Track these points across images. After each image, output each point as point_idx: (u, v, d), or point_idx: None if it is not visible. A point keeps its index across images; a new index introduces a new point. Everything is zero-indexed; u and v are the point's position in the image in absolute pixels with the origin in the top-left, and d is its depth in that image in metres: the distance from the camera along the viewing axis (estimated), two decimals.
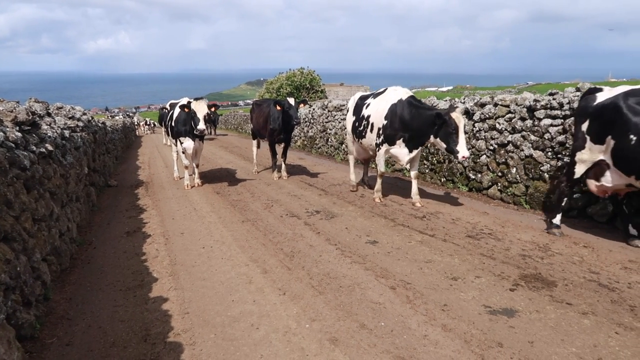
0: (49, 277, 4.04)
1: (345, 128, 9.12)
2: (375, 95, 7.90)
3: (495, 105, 7.79)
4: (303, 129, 16.83)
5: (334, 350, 3.17)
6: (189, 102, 8.62)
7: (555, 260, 4.74)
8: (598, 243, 5.21)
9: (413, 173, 7.40)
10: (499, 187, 7.61)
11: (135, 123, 37.52)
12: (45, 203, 4.31)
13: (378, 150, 7.46)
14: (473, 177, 8.19)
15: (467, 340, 3.24)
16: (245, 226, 6.39)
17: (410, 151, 7.10)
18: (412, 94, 7.26)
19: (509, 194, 7.38)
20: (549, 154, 6.63)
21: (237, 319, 3.66)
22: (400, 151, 7.19)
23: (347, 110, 8.74)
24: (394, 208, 7.19)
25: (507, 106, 7.54)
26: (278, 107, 9.64)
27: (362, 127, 7.86)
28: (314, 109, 16.01)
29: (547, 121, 6.65)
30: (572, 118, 6.30)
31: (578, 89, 6.50)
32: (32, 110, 4.72)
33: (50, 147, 4.70)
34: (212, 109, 8.77)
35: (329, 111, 14.72)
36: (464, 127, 6.50)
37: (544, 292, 3.98)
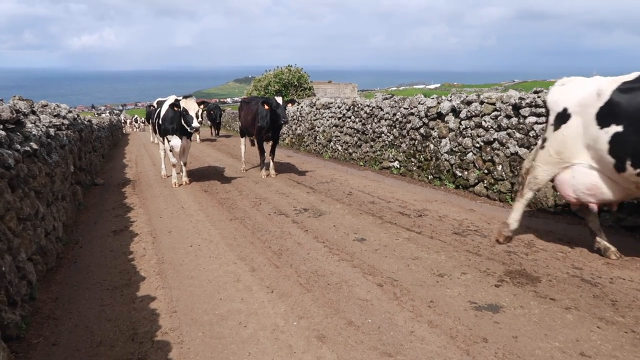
0: (35, 277, 4.01)
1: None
2: None
3: (482, 103, 7.86)
4: (291, 126, 16.81)
5: (322, 348, 3.19)
6: (177, 100, 8.57)
7: (540, 256, 4.81)
8: (581, 239, 5.30)
9: None
10: (485, 185, 7.69)
11: (122, 121, 37.16)
12: (31, 202, 4.27)
13: None
14: (460, 174, 8.27)
15: (452, 336, 3.28)
16: (233, 224, 6.38)
17: None
18: None
19: (495, 191, 7.46)
20: None
21: (225, 317, 3.67)
22: None
23: (547, 112, 5.12)
24: (381, 205, 7.23)
25: (493, 104, 7.61)
26: (266, 107, 9.62)
27: None
28: (302, 107, 16.00)
29: (532, 119, 6.73)
30: None
31: None
32: (17, 108, 4.67)
33: (35, 146, 4.65)
34: (202, 106, 8.76)
35: (317, 109, 14.72)
36: None
37: (528, 287, 4.04)
